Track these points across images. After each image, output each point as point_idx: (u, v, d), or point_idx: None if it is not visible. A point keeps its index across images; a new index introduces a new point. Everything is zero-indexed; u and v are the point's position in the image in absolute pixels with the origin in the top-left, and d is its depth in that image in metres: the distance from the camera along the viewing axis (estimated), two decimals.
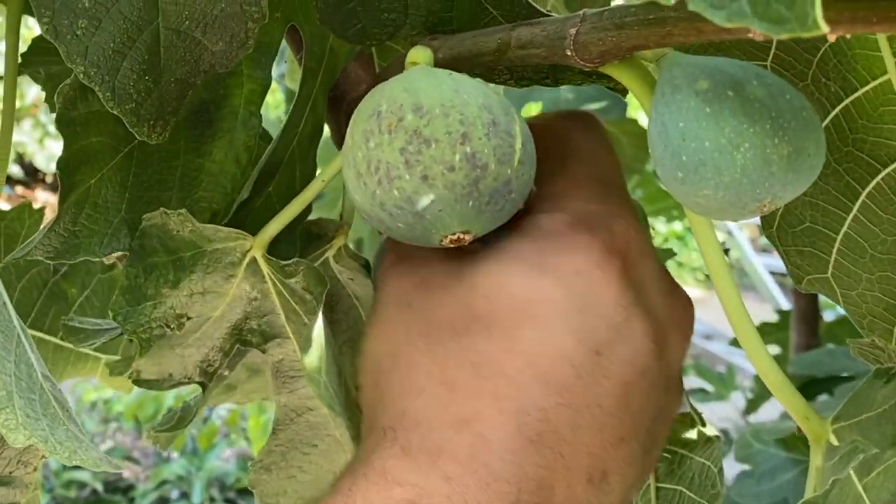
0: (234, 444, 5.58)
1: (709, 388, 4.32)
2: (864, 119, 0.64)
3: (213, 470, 5.23)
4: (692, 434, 0.89)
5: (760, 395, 3.11)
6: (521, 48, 0.64)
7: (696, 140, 0.53)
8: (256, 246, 0.75)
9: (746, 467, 2.35)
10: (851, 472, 0.60)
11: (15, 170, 8.55)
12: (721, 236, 6.81)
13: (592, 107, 2.60)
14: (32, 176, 9.01)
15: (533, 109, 2.72)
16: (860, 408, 0.64)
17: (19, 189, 8.87)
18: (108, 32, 0.64)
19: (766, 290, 7.15)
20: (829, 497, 0.58)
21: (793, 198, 0.55)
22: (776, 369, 0.61)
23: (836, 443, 0.63)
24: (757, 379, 3.08)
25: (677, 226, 6.85)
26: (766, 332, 3.02)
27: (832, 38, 0.36)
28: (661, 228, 7.08)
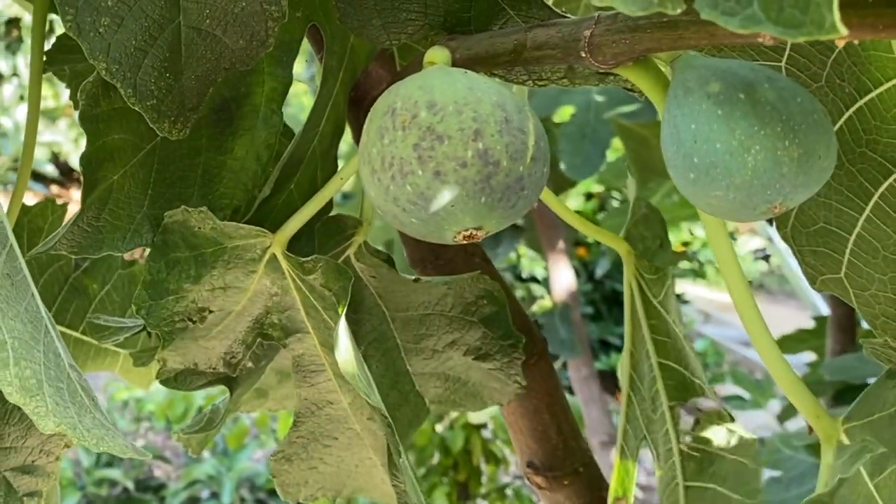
0: (265, 444, 5.60)
1: (745, 395, 4.27)
2: (878, 120, 0.64)
3: (244, 470, 5.25)
4: (722, 433, 0.89)
5: None
6: (536, 49, 0.64)
7: (707, 142, 0.53)
8: (276, 243, 0.76)
9: (776, 473, 2.34)
10: (862, 470, 0.60)
11: (50, 169, 8.61)
12: (761, 242, 6.75)
13: (623, 109, 2.59)
14: (67, 175, 9.06)
15: (565, 112, 2.71)
16: (872, 407, 0.64)
17: (54, 188, 8.92)
18: (131, 30, 0.65)
19: (805, 296, 7.07)
20: (839, 495, 0.58)
21: (804, 200, 0.55)
22: (788, 368, 0.61)
23: (847, 442, 0.63)
24: None
25: None
26: (803, 338, 2.98)
27: (840, 43, 0.37)
28: (698, 233, 7.02)
